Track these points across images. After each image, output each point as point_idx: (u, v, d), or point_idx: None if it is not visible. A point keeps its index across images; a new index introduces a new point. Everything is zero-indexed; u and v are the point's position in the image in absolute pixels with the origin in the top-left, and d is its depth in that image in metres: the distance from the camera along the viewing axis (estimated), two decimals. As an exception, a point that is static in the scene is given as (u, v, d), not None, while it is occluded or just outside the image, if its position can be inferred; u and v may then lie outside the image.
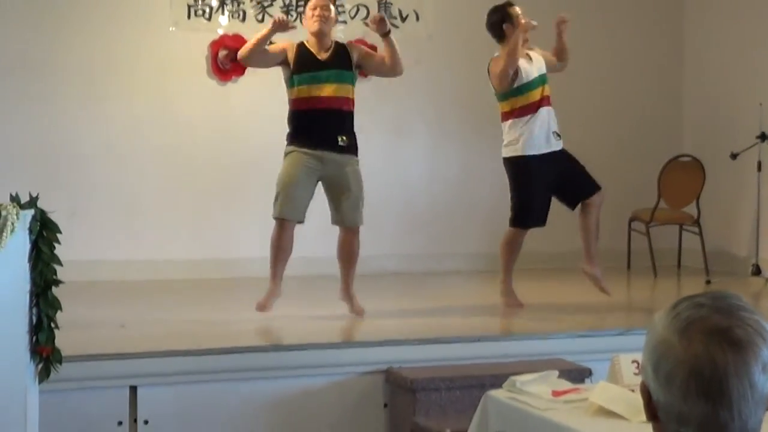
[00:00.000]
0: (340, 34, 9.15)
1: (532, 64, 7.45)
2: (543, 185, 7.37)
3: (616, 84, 10.03)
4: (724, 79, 9.84)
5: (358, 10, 9.34)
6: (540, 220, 7.44)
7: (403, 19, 9.47)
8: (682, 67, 10.31)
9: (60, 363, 4.75)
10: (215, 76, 8.98)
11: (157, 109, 8.83)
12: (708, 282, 8.80)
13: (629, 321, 6.95)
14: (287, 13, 9.08)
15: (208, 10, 8.96)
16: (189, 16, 8.92)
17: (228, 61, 8.93)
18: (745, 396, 1.72)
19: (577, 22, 9.74)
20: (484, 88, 9.57)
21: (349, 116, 6.93)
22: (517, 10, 7.38)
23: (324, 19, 6.86)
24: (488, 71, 7.53)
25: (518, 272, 7.83)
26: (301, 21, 7.27)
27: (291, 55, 6.84)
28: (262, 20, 9.05)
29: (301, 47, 6.89)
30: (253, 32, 8.86)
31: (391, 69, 7.08)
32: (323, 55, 6.87)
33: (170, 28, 8.89)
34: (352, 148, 6.94)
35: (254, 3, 9.08)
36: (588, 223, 7.50)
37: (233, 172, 8.95)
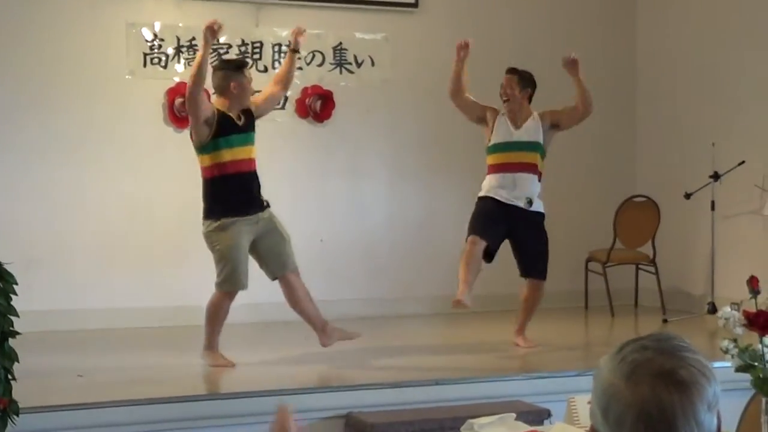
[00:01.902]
0: (296, 80, 9.22)
1: (517, 131, 7.59)
2: (495, 219, 7.51)
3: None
4: (677, 120, 9.96)
5: (313, 56, 9.40)
6: (488, 236, 7.49)
7: (359, 65, 9.53)
8: (635, 107, 10.43)
9: (17, 414, 4.73)
10: (172, 123, 8.99)
11: (114, 157, 8.82)
12: (665, 321, 8.87)
13: (587, 362, 6.98)
14: (243, 60, 9.11)
15: (164, 58, 8.99)
16: (145, 64, 8.94)
17: (184, 109, 8.93)
18: None
19: (533, 62, 9.87)
20: (440, 130, 9.70)
21: (255, 173, 7.02)
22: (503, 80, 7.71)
23: (253, 94, 7.08)
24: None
25: (477, 315, 7.89)
26: (248, 67, 7.28)
27: (214, 113, 6.83)
28: (218, 68, 9.07)
29: (219, 112, 6.87)
30: (208, 80, 8.98)
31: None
32: (238, 118, 6.93)
33: (126, 76, 8.90)
34: (268, 205, 7.06)
35: (210, 51, 9.09)
36: (527, 297, 7.68)
37: (191, 218, 8.92)
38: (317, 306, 7.11)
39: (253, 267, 7.05)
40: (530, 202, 7.57)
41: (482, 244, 7.48)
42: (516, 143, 7.59)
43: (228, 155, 6.85)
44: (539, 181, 7.64)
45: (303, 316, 7.11)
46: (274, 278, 7.04)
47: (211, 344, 6.94)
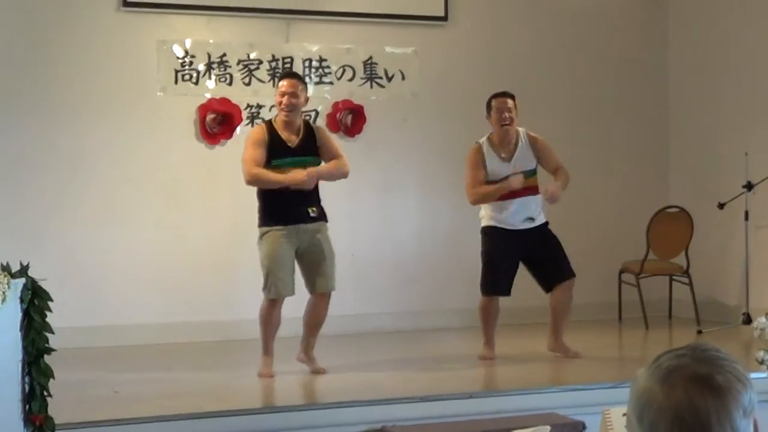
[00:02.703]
0: (326, 95, 9.26)
1: (507, 163, 7.61)
2: (505, 256, 7.56)
3: (603, 137, 10.10)
4: (710, 130, 9.92)
5: (344, 71, 9.42)
6: (503, 289, 7.63)
7: (389, 79, 9.55)
8: (668, 118, 10.39)
9: (53, 431, 4.75)
10: (204, 140, 9.03)
11: (146, 173, 8.86)
12: (699, 332, 8.81)
13: (621, 373, 6.95)
14: (273, 76, 9.16)
15: (195, 74, 9.03)
16: (176, 81, 8.99)
17: (216, 125, 8.99)
18: None
19: (564, 75, 9.86)
20: (470, 142, 9.67)
21: (315, 190, 7.15)
22: (496, 103, 7.62)
23: (291, 108, 7.08)
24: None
25: (508, 328, 7.88)
26: (286, 77, 7.34)
27: (267, 140, 7.04)
28: (249, 83, 9.13)
29: (272, 132, 7.07)
30: (239, 95, 9.05)
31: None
32: (293, 140, 7.08)
33: (158, 93, 8.95)
34: (322, 216, 7.18)
35: (241, 66, 9.16)
36: (556, 304, 7.71)
37: (222, 234, 8.97)
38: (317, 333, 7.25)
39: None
40: (532, 220, 7.62)
41: (497, 303, 7.66)
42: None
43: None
44: (538, 194, 7.69)
45: (305, 332, 7.23)
46: (310, 292, 7.16)
47: (264, 350, 7.05)
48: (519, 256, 7.63)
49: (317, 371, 7.11)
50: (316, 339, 7.23)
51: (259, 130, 7.18)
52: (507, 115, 7.57)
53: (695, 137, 10.10)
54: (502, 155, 7.63)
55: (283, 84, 7.13)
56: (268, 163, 7.01)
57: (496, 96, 7.67)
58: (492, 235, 7.65)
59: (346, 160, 7.28)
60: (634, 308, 9.41)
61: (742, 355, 7.10)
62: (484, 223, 7.72)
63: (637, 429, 1.82)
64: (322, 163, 7.19)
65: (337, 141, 9.24)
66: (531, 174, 7.67)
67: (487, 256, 7.69)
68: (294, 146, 7.08)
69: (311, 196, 7.09)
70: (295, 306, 7.24)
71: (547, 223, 7.73)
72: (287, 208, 7.00)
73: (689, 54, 10.18)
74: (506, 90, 7.73)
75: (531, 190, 7.65)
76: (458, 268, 9.62)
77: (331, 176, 7.23)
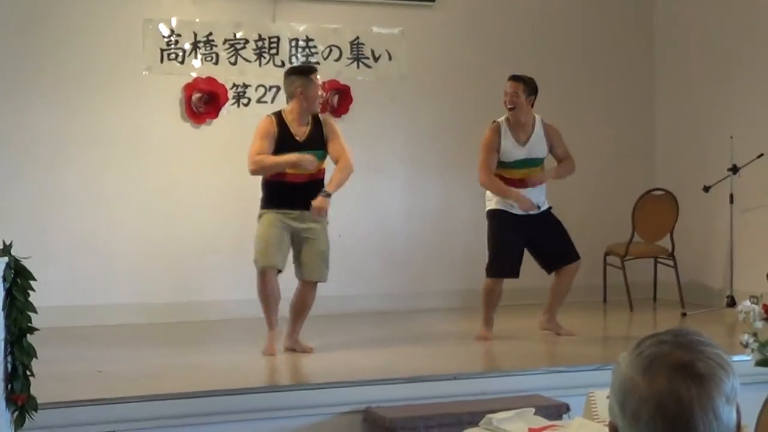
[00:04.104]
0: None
1: (522, 147, 7.67)
2: (513, 238, 7.60)
3: (589, 120, 10.10)
4: (696, 113, 9.92)
5: (330, 51, 9.39)
6: (511, 271, 7.68)
7: (376, 60, 9.52)
8: (653, 101, 10.39)
9: (36, 410, 4.74)
10: (189, 119, 8.99)
11: (131, 152, 8.83)
12: (684, 314, 8.84)
13: (606, 356, 6.96)
14: (260, 55, 9.13)
15: (181, 53, 8.99)
16: (162, 60, 8.95)
17: (202, 104, 8.96)
18: (711, 428, 1.74)
19: (550, 58, 9.86)
20: (457, 124, 9.68)
21: (320, 182, 7.22)
22: (505, 87, 7.70)
23: (321, 99, 7.30)
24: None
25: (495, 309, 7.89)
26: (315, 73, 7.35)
27: (274, 133, 7.11)
28: (235, 63, 9.09)
29: (281, 124, 7.12)
30: (225, 75, 9.02)
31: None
32: (301, 133, 7.14)
33: (143, 72, 8.91)
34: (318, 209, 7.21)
35: (227, 46, 9.12)
36: (559, 286, 7.82)
37: (208, 213, 8.95)
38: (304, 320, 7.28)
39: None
40: (538, 207, 7.71)
41: (501, 285, 7.71)
42: (524, 161, 7.69)
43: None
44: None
45: (290, 318, 7.27)
46: (297, 277, 7.23)
47: (268, 325, 7.12)
48: (525, 238, 7.70)
49: (305, 350, 7.16)
50: (301, 326, 7.25)
51: (268, 123, 7.19)
52: (506, 99, 7.67)
53: (680, 121, 10.11)
54: (519, 137, 7.68)
55: (317, 78, 7.22)
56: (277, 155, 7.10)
57: (508, 79, 7.76)
58: (499, 218, 7.69)
59: (350, 153, 7.30)
60: (619, 291, 9.43)
61: (726, 338, 7.12)
62: (491, 206, 7.75)
63: (619, 416, 1.81)
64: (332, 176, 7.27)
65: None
66: (539, 163, 7.76)
67: (494, 239, 7.74)
68: (302, 140, 7.14)
69: (316, 188, 7.15)
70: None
71: (550, 208, 7.82)
72: (291, 195, 7.08)
73: (675, 37, 10.18)
74: (521, 74, 7.79)
75: (539, 180, 7.75)
76: (445, 249, 9.64)
77: (340, 186, 7.28)
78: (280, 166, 7.05)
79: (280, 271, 7.14)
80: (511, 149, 7.65)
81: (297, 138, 7.12)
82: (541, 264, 7.85)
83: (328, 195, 7.15)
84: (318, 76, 7.28)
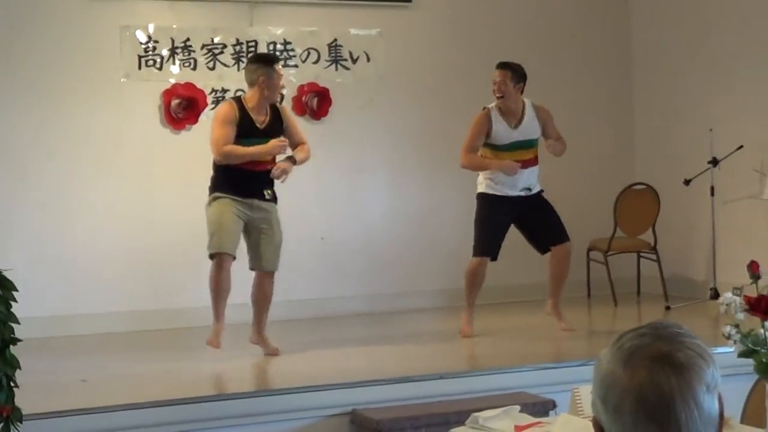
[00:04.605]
0: (291, 78, 9.21)
1: (514, 130, 7.70)
2: (498, 220, 7.59)
3: (569, 115, 10.09)
4: (675, 106, 9.95)
5: (308, 53, 9.39)
6: (492, 251, 7.69)
7: (354, 61, 9.52)
8: (633, 95, 10.42)
9: (21, 422, 4.71)
10: (168, 125, 8.97)
11: (111, 160, 8.80)
12: (668, 308, 8.86)
13: (591, 351, 6.97)
14: (238, 60, 9.12)
15: (159, 59, 8.97)
16: (140, 67, 8.93)
17: (181, 110, 8.94)
18: (693, 417, 1.75)
19: (529, 55, 9.86)
20: (438, 124, 9.68)
21: (269, 173, 7.20)
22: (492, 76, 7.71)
23: (283, 89, 7.38)
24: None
25: (479, 307, 7.90)
26: (278, 63, 7.36)
27: (236, 118, 7.09)
28: (213, 68, 9.08)
29: (242, 110, 7.12)
30: (204, 80, 9.00)
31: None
32: (261, 121, 7.15)
33: (122, 79, 8.88)
34: (274, 199, 7.26)
35: (205, 51, 9.10)
36: (553, 272, 7.87)
37: (188, 220, 8.92)
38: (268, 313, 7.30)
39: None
40: (529, 190, 7.73)
41: (486, 265, 7.73)
42: (516, 143, 7.69)
43: None
44: (537, 164, 7.84)
45: (254, 313, 7.28)
46: (251, 269, 7.24)
47: (214, 316, 7.11)
48: (511, 220, 7.75)
49: (272, 352, 7.16)
50: (266, 319, 7.25)
51: (228, 108, 7.17)
52: (496, 87, 7.70)
53: (660, 114, 10.13)
54: (511, 121, 7.70)
55: (279, 67, 7.21)
56: (236, 142, 7.06)
57: (495, 67, 7.78)
58: (487, 200, 7.73)
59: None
60: (602, 286, 9.45)
61: (710, 330, 7.15)
62: (481, 189, 7.79)
63: (602, 410, 1.82)
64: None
65: (303, 124, 9.24)
66: (533, 144, 7.78)
67: (479, 221, 7.77)
68: (263, 128, 7.12)
69: (268, 177, 7.15)
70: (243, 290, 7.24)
71: (542, 191, 7.86)
72: (243, 182, 7.05)
73: (653, 31, 10.21)
74: (507, 61, 7.83)
75: (531, 162, 7.76)
76: (429, 249, 9.64)
77: (302, 163, 7.30)
78: (252, 156, 7.03)
79: (234, 258, 7.10)
80: (504, 132, 7.67)
81: (258, 125, 7.11)
82: (532, 244, 7.89)
83: (294, 161, 7.17)
84: (280, 66, 7.29)
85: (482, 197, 7.78)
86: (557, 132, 7.88)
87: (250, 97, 7.16)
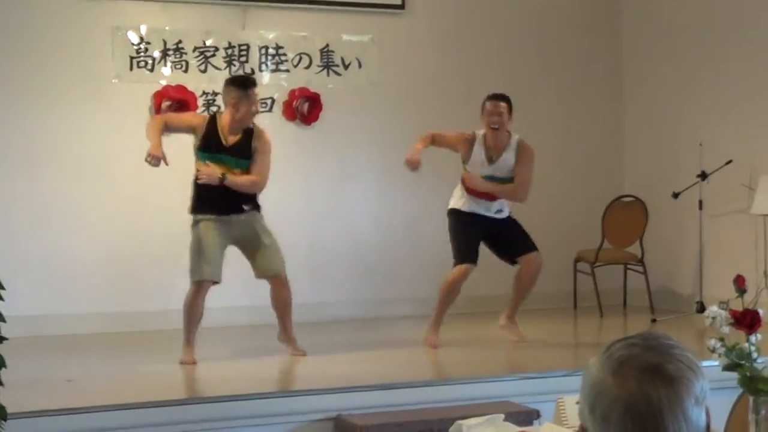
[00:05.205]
0: (283, 82, 9.22)
1: (488, 165, 7.71)
2: (470, 230, 7.72)
3: (558, 127, 10.14)
4: (665, 120, 9.98)
5: (300, 58, 9.39)
6: (472, 257, 7.70)
7: (346, 67, 9.53)
8: (623, 108, 10.44)
9: (5, 420, 4.70)
10: (159, 127, 8.96)
11: (100, 161, 8.79)
12: (654, 321, 8.88)
13: (576, 361, 6.99)
14: (230, 63, 9.12)
15: (150, 61, 8.97)
16: (131, 68, 8.92)
17: (171, 112, 8.92)
18: (681, 429, 1.76)
19: (520, 65, 9.90)
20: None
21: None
22: (488, 106, 7.66)
23: (255, 115, 7.19)
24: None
25: (463, 315, 7.91)
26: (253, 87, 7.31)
27: (200, 129, 7.11)
28: (205, 71, 9.08)
29: (211, 124, 7.13)
30: (195, 82, 9.00)
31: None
32: (230, 140, 7.13)
33: (113, 80, 8.88)
34: (255, 208, 7.23)
35: (197, 54, 9.10)
36: (519, 283, 7.82)
37: (177, 222, 8.91)
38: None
39: (244, 270, 7.09)
40: (501, 212, 7.81)
41: (469, 273, 7.67)
42: (490, 177, 7.71)
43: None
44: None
45: (278, 320, 7.38)
46: (257, 278, 7.27)
47: (186, 340, 7.09)
48: (483, 234, 7.77)
49: (296, 353, 7.23)
50: (291, 321, 7.32)
51: (200, 117, 7.32)
52: (496, 118, 7.63)
53: (649, 127, 10.16)
54: (489, 154, 7.70)
55: (254, 92, 7.15)
56: (199, 153, 7.11)
57: (490, 98, 7.73)
58: (459, 214, 7.78)
59: (265, 179, 7.19)
60: (589, 297, 9.47)
61: (696, 343, 7.17)
62: (453, 205, 7.83)
63: (589, 419, 1.83)
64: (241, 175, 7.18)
65: (293, 129, 9.25)
66: (506, 180, 7.76)
67: (453, 231, 7.79)
68: (228, 146, 7.12)
69: (245, 196, 7.15)
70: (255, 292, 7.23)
71: (510, 214, 7.90)
72: (219, 199, 7.05)
73: (643, 45, 10.24)
74: (502, 93, 7.78)
75: (494, 197, 7.80)
76: (416, 257, 9.64)
77: (238, 188, 7.11)
78: (150, 138, 6.99)
79: (216, 283, 7.11)
80: (478, 164, 7.70)
81: (223, 142, 7.10)
82: (501, 257, 7.89)
83: (223, 177, 7.02)
84: (257, 90, 7.21)
85: (454, 212, 7.81)
86: (524, 176, 7.72)
87: (224, 116, 7.16)
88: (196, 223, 7.10)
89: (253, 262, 7.22)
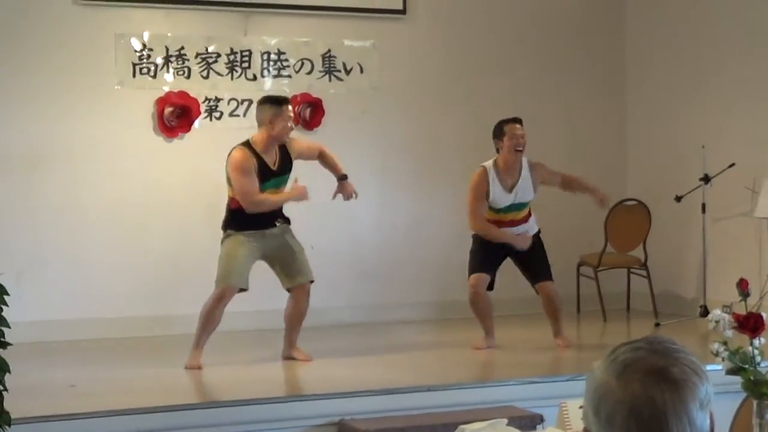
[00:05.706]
0: (285, 88, 9.23)
1: (509, 193, 7.77)
2: (491, 252, 7.76)
3: (561, 131, 10.14)
4: (667, 123, 9.97)
5: (302, 64, 9.40)
6: (483, 268, 7.76)
7: (348, 72, 9.53)
8: (626, 111, 10.43)
9: (9, 425, 4.71)
10: (162, 133, 8.97)
11: (104, 167, 8.80)
12: (657, 324, 8.87)
13: (579, 366, 6.99)
14: (232, 69, 9.13)
15: (153, 67, 8.97)
16: (134, 74, 8.92)
17: (174, 118, 8.94)
18: None
19: (522, 70, 9.90)
20: (429, 136, 9.69)
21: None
22: (509, 129, 7.72)
23: (290, 131, 7.36)
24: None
25: (467, 321, 7.90)
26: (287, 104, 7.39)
27: (255, 166, 7.19)
28: (207, 77, 9.08)
29: (255, 155, 7.20)
30: (198, 89, 9.01)
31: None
32: (272, 162, 7.27)
33: (116, 87, 8.88)
34: (286, 221, 7.42)
35: (199, 60, 9.11)
36: (544, 308, 7.93)
37: (180, 227, 8.93)
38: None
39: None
40: (527, 231, 7.86)
41: (486, 280, 7.72)
42: (511, 206, 7.79)
43: None
44: (530, 218, 7.97)
45: (287, 330, 7.43)
46: (288, 289, 7.37)
47: (196, 344, 7.13)
48: (506, 254, 7.83)
49: (304, 359, 7.30)
50: (297, 335, 7.38)
51: (244, 156, 7.19)
52: (522, 141, 7.73)
53: (652, 130, 10.15)
54: (507, 183, 7.75)
55: (288, 109, 7.27)
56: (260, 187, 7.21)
57: (507, 121, 7.78)
58: (480, 240, 7.81)
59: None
60: (592, 301, 9.46)
61: (699, 347, 7.15)
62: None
63: (593, 422, 1.83)
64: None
65: (296, 135, 9.24)
66: (526, 205, 7.86)
67: (474, 254, 7.83)
68: (275, 168, 7.27)
69: (280, 209, 7.34)
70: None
71: (539, 231, 7.97)
72: (255, 219, 7.18)
73: (646, 48, 10.23)
74: (516, 116, 7.85)
75: (526, 218, 7.89)
76: (417, 261, 9.63)
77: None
78: (281, 203, 7.28)
79: (244, 290, 7.20)
80: (500, 197, 7.75)
81: (271, 167, 7.24)
82: (524, 274, 7.97)
83: (345, 176, 7.57)
84: (290, 107, 7.35)
85: (478, 238, 7.84)
86: (560, 174, 8.01)
87: (259, 138, 7.23)
88: (228, 236, 7.21)
89: (284, 271, 7.30)
